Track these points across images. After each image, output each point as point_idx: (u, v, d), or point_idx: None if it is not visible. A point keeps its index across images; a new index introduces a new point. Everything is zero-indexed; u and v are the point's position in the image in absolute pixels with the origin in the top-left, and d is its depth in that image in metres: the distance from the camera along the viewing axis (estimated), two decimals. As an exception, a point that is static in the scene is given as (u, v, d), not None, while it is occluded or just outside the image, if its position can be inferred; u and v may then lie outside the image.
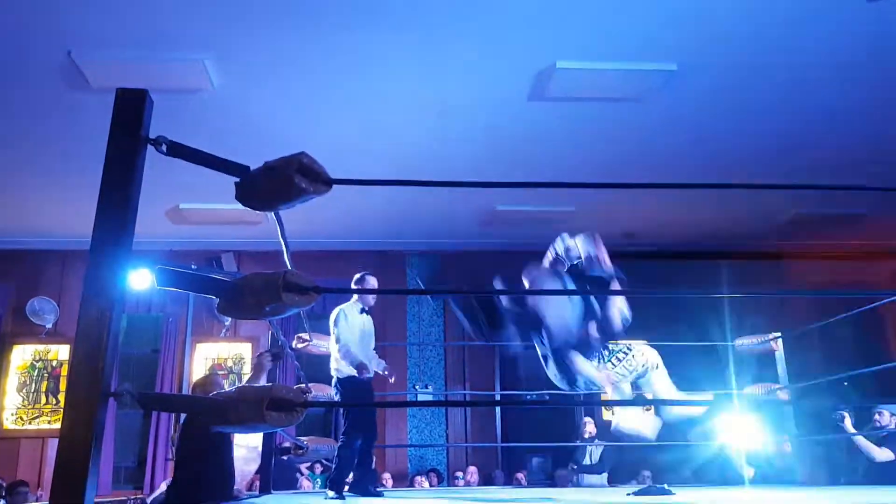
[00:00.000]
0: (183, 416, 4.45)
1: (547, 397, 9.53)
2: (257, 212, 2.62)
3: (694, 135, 6.41)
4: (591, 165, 6.91)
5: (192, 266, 8.05)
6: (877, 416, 5.31)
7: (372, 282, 4.79)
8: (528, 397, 8.79)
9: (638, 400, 4.33)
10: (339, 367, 4.54)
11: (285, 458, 5.90)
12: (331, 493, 4.23)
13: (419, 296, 9.49)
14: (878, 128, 6.33)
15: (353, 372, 4.49)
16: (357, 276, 4.76)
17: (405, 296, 9.45)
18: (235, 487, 5.83)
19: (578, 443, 7.51)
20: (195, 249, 8.85)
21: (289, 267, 2.99)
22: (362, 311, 4.70)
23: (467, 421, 9.19)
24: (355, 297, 4.76)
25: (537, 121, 6.07)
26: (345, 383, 4.51)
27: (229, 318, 8.72)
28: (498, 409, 9.23)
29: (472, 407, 9.19)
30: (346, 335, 4.54)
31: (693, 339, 8.80)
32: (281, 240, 2.86)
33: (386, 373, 4.83)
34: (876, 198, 7.78)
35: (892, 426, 5.17)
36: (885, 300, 5.25)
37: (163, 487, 5.54)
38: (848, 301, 5.44)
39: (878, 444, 5.13)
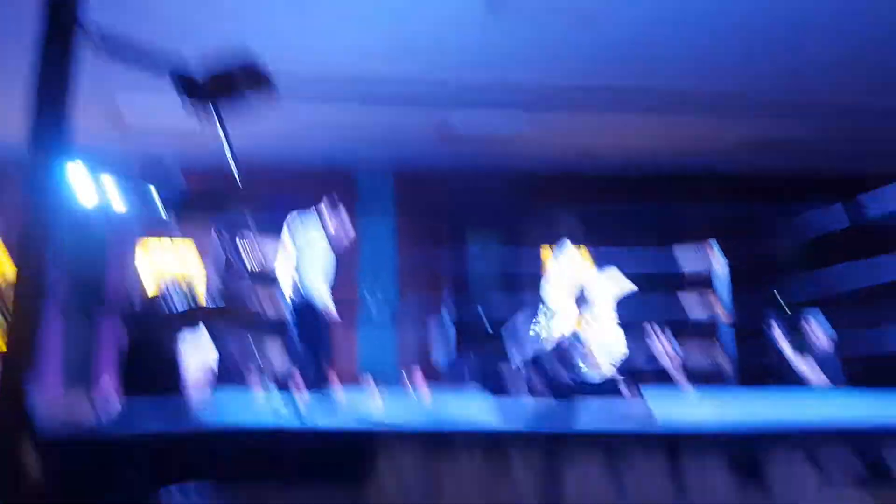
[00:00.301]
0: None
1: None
2: (196, 119, 2.54)
3: (651, 51, 6.38)
4: (548, 83, 6.83)
5: (135, 173, 7.81)
6: (807, 329, 5.52)
7: (336, 209, 4.71)
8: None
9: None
10: (294, 285, 4.50)
11: (236, 358, 5.93)
12: (284, 403, 4.30)
13: (369, 213, 9.43)
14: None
15: (310, 291, 4.47)
16: (326, 203, 4.62)
17: (354, 212, 9.35)
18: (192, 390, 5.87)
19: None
20: (138, 158, 8.56)
21: (233, 166, 2.94)
22: (327, 239, 4.64)
23: (418, 330, 9.34)
24: (315, 221, 4.67)
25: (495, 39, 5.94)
26: (301, 301, 4.49)
27: (180, 229, 8.58)
28: (447, 318, 9.35)
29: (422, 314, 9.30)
30: (309, 257, 4.48)
31: (639, 258, 9.06)
32: (226, 148, 2.78)
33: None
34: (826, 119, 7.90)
35: (822, 340, 5.38)
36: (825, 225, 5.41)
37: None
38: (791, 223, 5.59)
39: (799, 351, 5.37)
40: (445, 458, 2.04)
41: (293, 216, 4.66)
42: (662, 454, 1.93)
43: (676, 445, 1.94)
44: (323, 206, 4.67)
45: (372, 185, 9.54)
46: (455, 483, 1.93)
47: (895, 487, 1.89)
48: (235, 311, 1.86)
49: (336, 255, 4.80)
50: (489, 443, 2.03)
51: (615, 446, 1.95)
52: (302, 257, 4.49)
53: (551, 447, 1.96)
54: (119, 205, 6.04)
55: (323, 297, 4.46)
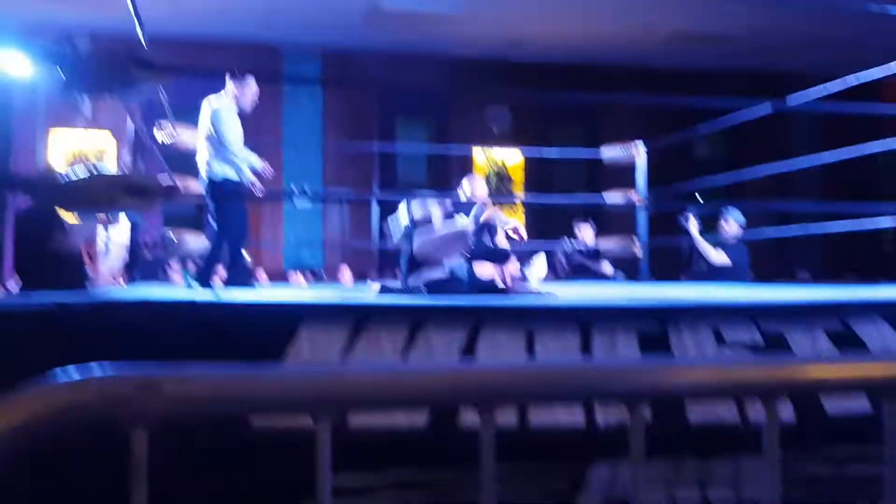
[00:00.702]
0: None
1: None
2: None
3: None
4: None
5: (45, 46, 7.27)
6: (722, 223, 5.70)
7: (252, 85, 4.45)
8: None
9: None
10: (213, 169, 4.31)
11: (149, 253, 5.80)
12: (200, 287, 4.23)
13: (296, 97, 9.13)
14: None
15: (230, 174, 4.30)
16: (238, 76, 4.36)
17: (280, 97, 9.04)
18: (103, 283, 5.73)
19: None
20: (46, 31, 7.97)
21: (144, 47, 2.75)
22: (239, 112, 4.40)
23: (344, 223, 9.30)
24: (231, 97, 4.40)
25: None
26: (220, 185, 4.31)
27: (88, 105, 8.11)
28: (375, 210, 9.34)
29: (349, 208, 9.26)
30: (231, 136, 4.26)
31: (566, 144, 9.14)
32: (134, 16, 2.58)
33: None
34: (755, 16, 7.94)
35: (734, 232, 5.58)
36: (747, 118, 5.51)
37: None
38: (712, 117, 5.69)
39: (716, 246, 5.58)
40: (365, 333, 2.05)
41: (209, 97, 4.42)
42: (573, 327, 1.99)
43: (586, 318, 2.00)
44: (230, 79, 4.40)
45: (299, 66, 9.19)
46: (373, 355, 1.95)
47: (788, 354, 2.02)
48: (146, 186, 1.76)
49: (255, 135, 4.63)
50: (409, 317, 2.05)
51: (526, 318, 2.00)
52: (216, 132, 4.28)
53: (467, 321, 1.99)
54: (27, 72, 5.60)
55: (241, 169, 4.31)
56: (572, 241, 6.70)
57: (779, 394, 0.63)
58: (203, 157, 4.33)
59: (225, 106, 4.33)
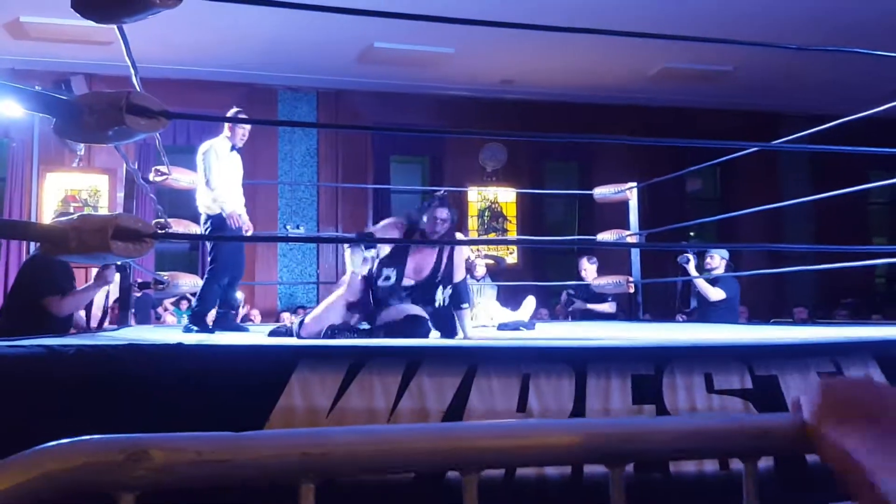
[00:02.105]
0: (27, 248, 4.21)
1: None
2: (106, 26, 2.37)
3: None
4: (474, 5, 6.71)
5: (36, 88, 7.33)
6: (708, 260, 5.77)
7: (243, 129, 4.51)
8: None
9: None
10: (208, 205, 4.36)
11: (139, 293, 5.78)
12: (194, 328, 4.21)
13: (291, 136, 9.18)
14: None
15: (218, 212, 4.34)
16: (231, 111, 4.46)
17: (276, 135, 9.10)
18: (94, 323, 5.68)
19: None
20: (41, 70, 8.04)
21: (139, 90, 2.76)
22: (232, 149, 4.46)
23: (338, 261, 9.29)
24: (225, 133, 4.48)
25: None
26: (215, 221, 4.36)
27: (82, 147, 8.14)
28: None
29: (343, 246, 9.25)
30: (217, 175, 4.31)
31: (559, 188, 9.21)
32: (127, 59, 2.61)
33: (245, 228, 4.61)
34: (743, 55, 8.06)
35: (721, 269, 5.66)
36: (737, 154, 5.57)
37: None
38: (705, 157, 5.74)
39: (712, 284, 5.64)
40: (358, 377, 2.04)
41: (207, 141, 4.48)
42: (568, 371, 1.98)
43: (581, 361, 2.00)
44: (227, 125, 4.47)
45: (294, 105, 9.27)
46: (365, 399, 1.94)
47: (777, 397, 2.01)
48: (138, 230, 1.75)
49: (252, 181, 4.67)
50: (403, 360, 2.04)
51: (521, 361, 2.00)
52: (203, 171, 4.33)
53: (459, 362, 1.98)
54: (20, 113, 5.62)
55: (237, 212, 4.33)
56: (570, 291, 6.72)
57: (757, 456, 0.63)
58: (200, 195, 4.38)
59: (214, 145, 4.40)
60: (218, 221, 4.34)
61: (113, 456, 0.49)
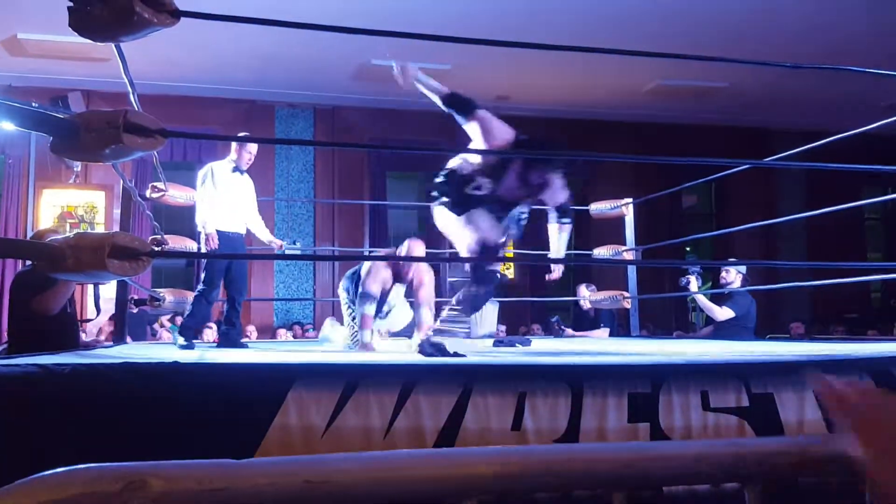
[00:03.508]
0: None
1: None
2: (101, 44, 2.39)
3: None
4: (470, 22, 6.77)
5: (34, 104, 7.35)
6: (724, 274, 5.47)
7: (251, 148, 4.57)
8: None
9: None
10: (205, 222, 4.40)
11: (136, 310, 5.77)
12: (181, 340, 4.23)
13: (288, 153, 9.21)
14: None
15: (221, 227, 4.37)
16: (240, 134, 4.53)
17: (273, 151, 9.12)
18: (90, 339, 5.67)
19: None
20: (38, 87, 8.06)
21: (136, 108, 2.77)
22: (235, 170, 4.51)
23: (335, 277, 9.29)
24: (231, 156, 4.54)
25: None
26: (229, 235, 4.39)
27: (78, 164, 8.15)
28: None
29: (339, 262, 9.25)
30: (203, 195, 4.38)
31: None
32: (125, 77, 2.62)
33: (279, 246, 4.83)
34: (737, 72, 8.12)
35: (738, 283, 5.34)
36: (731, 171, 5.59)
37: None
38: (700, 173, 5.77)
39: (719, 303, 5.45)
40: (354, 396, 2.03)
41: (208, 165, 4.53)
42: (564, 389, 1.98)
43: (578, 379, 2.00)
44: (233, 145, 4.52)
45: (291, 122, 9.30)
46: (361, 418, 1.93)
47: (773, 415, 2.01)
48: (135, 248, 1.76)
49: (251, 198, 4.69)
50: (399, 379, 2.03)
51: (518, 379, 2.00)
52: (216, 198, 4.38)
53: (455, 380, 1.98)
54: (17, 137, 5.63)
55: (214, 234, 4.36)
56: (557, 318, 6.70)
57: (757, 482, 0.63)
58: (199, 213, 4.40)
59: (213, 167, 4.45)
60: (222, 237, 4.38)
61: (110, 485, 0.49)
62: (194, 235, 4.69)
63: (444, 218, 3.42)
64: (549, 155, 3.51)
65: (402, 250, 4.18)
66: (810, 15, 6.81)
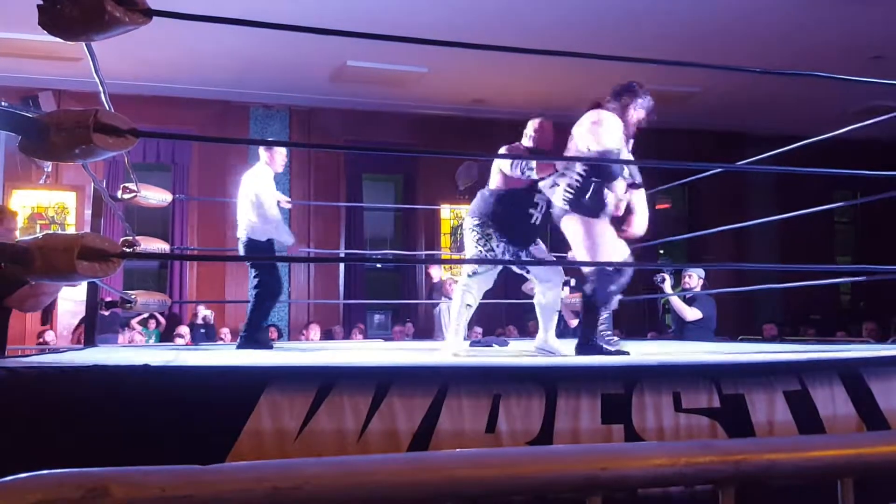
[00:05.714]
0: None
1: (391, 256, 9.79)
2: (72, 43, 2.35)
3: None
4: (446, 26, 6.77)
5: (3, 103, 7.22)
6: (686, 279, 5.82)
7: (281, 150, 4.59)
8: (373, 257, 8.95)
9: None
10: (255, 229, 4.34)
11: (107, 312, 5.69)
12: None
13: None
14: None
15: (272, 235, 4.35)
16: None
17: (247, 152, 9.04)
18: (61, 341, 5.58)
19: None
20: (8, 86, 7.91)
21: (107, 108, 2.73)
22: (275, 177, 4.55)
23: (310, 279, 9.23)
24: (265, 164, 4.51)
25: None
26: (261, 246, 4.34)
27: (49, 164, 8.02)
28: (341, 267, 9.31)
29: (315, 264, 9.20)
30: (271, 201, 4.37)
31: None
32: (96, 77, 2.58)
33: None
34: (710, 77, 8.20)
35: (699, 287, 5.71)
36: (704, 174, 5.66)
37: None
38: (673, 176, 5.83)
39: (689, 303, 5.66)
40: (328, 399, 2.02)
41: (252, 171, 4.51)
42: (539, 390, 1.99)
43: (552, 381, 2.00)
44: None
45: (266, 123, 9.23)
46: (335, 421, 1.92)
47: (744, 416, 2.04)
48: (105, 249, 1.72)
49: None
50: (373, 381, 2.02)
51: (492, 381, 2.00)
52: (256, 198, 4.36)
53: (430, 382, 1.98)
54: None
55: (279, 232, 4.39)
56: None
57: (731, 484, 0.63)
58: (249, 220, 4.35)
59: (267, 176, 4.45)
60: (253, 245, 4.33)
61: (70, 492, 0.48)
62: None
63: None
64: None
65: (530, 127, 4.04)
66: (780, 22, 6.91)
